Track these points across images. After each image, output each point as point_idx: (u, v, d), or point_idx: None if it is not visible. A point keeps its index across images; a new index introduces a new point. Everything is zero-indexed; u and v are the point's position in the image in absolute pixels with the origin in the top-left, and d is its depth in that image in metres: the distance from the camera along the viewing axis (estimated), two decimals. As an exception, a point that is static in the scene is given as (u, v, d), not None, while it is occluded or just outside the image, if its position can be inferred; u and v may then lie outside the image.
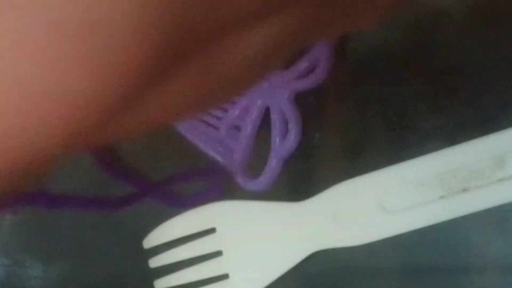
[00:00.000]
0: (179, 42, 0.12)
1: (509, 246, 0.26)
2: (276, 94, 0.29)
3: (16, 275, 0.34)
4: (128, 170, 0.32)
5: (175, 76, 0.13)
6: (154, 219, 0.31)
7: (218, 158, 0.30)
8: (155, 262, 0.31)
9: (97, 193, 0.33)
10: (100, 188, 0.33)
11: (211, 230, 0.30)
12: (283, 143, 0.29)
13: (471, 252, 0.27)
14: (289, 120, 0.29)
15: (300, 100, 0.29)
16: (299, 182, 0.29)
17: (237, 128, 0.30)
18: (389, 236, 0.27)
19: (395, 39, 0.28)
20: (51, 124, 0.12)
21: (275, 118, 0.29)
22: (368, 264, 0.28)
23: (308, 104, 0.29)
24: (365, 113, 0.28)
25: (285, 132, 0.29)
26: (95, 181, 0.33)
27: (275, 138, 0.29)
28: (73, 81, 0.12)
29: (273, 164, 0.29)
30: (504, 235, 0.26)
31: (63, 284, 0.33)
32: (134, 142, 0.32)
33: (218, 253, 0.30)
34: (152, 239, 0.31)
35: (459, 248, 0.27)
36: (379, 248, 0.27)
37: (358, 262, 0.28)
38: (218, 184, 0.30)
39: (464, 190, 0.26)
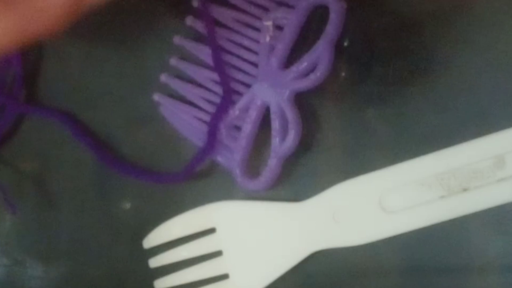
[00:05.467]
0: None
1: (509, 246, 0.26)
2: (276, 94, 0.29)
3: (16, 275, 0.34)
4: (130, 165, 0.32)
5: None
6: (154, 219, 0.31)
7: (218, 158, 0.30)
8: (155, 262, 0.31)
9: (97, 193, 0.33)
10: (100, 188, 0.33)
11: (211, 230, 0.30)
12: (283, 143, 0.29)
13: (471, 252, 0.27)
14: (289, 120, 0.29)
15: (300, 100, 0.29)
16: (299, 182, 0.29)
17: (237, 128, 0.30)
18: (389, 236, 0.27)
19: (395, 39, 0.28)
20: None
21: (275, 118, 0.29)
22: (368, 264, 0.28)
23: (308, 104, 0.29)
24: (365, 113, 0.28)
25: (285, 132, 0.29)
26: (95, 181, 0.33)
27: (275, 138, 0.29)
28: None
29: (273, 164, 0.29)
30: (504, 235, 0.26)
31: (63, 284, 0.33)
32: (134, 142, 0.32)
33: (218, 253, 0.30)
34: (152, 239, 0.31)
35: (459, 248, 0.27)
36: (379, 248, 0.27)
37: (358, 262, 0.28)
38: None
39: (464, 190, 0.26)
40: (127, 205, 0.32)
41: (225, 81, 0.30)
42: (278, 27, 0.29)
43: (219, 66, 0.30)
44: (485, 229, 0.26)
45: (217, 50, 0.30)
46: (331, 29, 0.28)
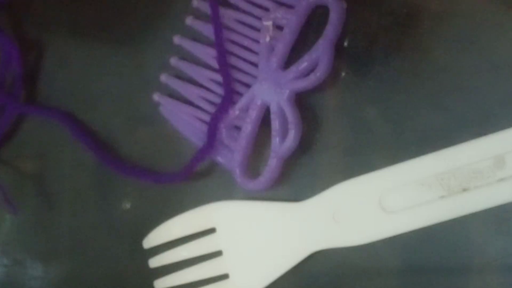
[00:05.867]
0: None
1: (509, 246, 0.26)
2: (276, 94, 0.29)
3: (16, 275, 0.34)
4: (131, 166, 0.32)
5: None
6: (154, 219, 0.31)
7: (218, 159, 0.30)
8: (155, 262, 0.31)
9: (97, 193, 0.33)
10: (100, 188, 0.33)
11: (211, 230, 0.30)
12: (283, 143, 0.29)
13: (471, 252, 0.27)
14: (289, 120, 0.29)
15: (300, 100, 0.29)
16: (299, 182, 0.29)
17: (237, 128, 0.30)
18: (389, 236, 0.27)
19: (395, 39, 0.28)
20: None
21: (275, 118, 0.29)
22: (368, 264, 0.28)
23: (308, 104, 0.29)
24: (365, 113, 0.28)
25: (285, 132, 0.29)
26: (95, 181, 0.33)
27: (275, 138, 0.29)
28: None
29: (273, 164, 0.29)
30: (504, 235, 0.26)
31: (63, 284, 0.33)
32: (134, 142, 0.32)
33: (218, 253, 0.30)
34: (152, 239, 0.31)
35: (459, 248, 0.27)
36: (379, 248, 0.27)
37: (358, 262, 0.28)
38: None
39: (464, 190, 0.26)
40: (127, 205, 0.32)
41: (227, 81, 0.30)
42: (278, 27, 0.29)
43: (223, 66, 0.30)
44: (485, 229, 0.26)
45: (222, 50, 0.30)
46: (331, 29, 0.28)
